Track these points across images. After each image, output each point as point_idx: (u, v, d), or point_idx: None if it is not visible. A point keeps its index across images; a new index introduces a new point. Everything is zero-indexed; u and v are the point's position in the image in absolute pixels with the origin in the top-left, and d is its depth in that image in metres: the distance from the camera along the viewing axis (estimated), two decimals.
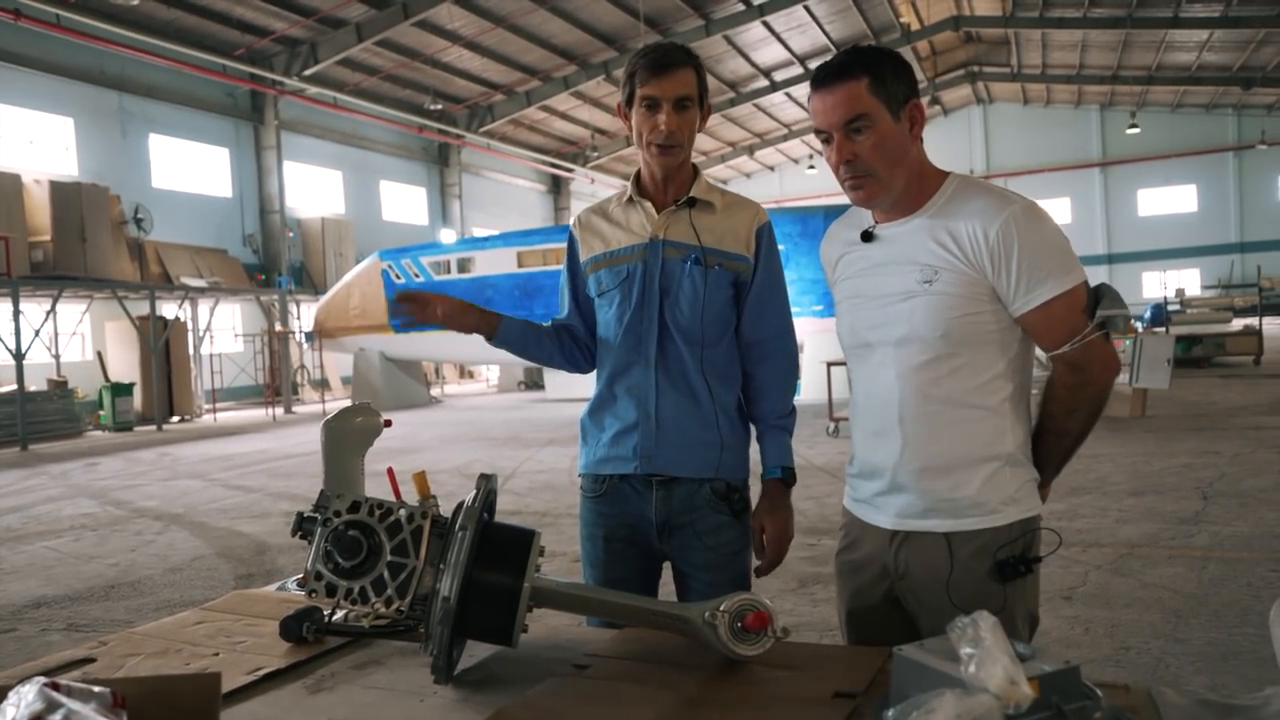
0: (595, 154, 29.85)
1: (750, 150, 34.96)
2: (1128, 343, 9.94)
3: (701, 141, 32.98)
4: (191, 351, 17.56)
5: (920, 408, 1.60)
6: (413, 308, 1.95)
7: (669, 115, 1.86)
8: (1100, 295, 1.56)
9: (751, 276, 1.97)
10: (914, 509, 1.61)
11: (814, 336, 14.44)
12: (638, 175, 2.02)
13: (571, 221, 2.11)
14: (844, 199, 1.63)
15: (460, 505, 1.37)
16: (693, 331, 1.93)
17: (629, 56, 1.97)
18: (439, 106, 23.81)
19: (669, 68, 1.86)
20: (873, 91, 1.53)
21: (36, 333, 14.52)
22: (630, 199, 2.00)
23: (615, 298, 1.96)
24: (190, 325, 17.73)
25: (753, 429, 2.03)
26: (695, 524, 1.92)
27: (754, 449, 2.02)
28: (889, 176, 1.57)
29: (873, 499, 1.68)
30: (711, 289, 1.92)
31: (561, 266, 2.14)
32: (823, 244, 1.82)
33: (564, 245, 2.12)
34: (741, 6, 22.05)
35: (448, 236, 24.82)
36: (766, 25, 23.31)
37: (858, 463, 1.73)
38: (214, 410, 17.74)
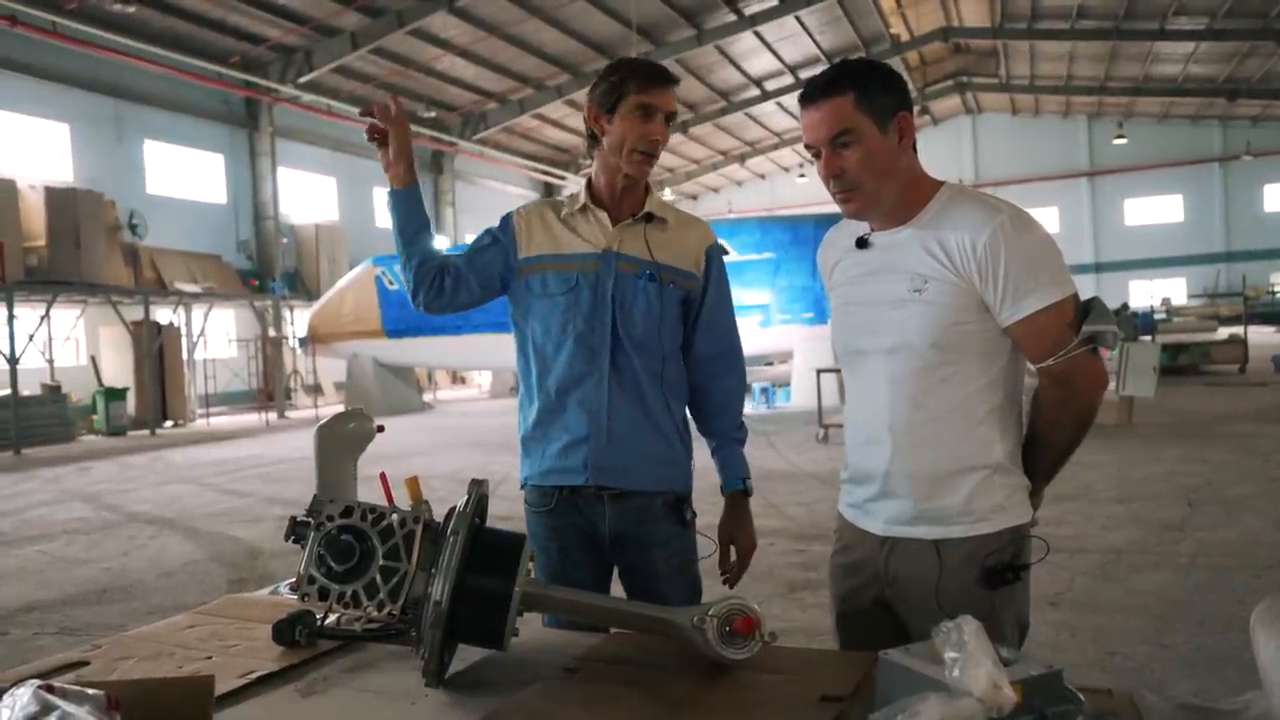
0: (587, 162, 29.68)
1: (742, 159, 35.05)
2: (1113, 352, 10.00)
3: (693, 150, 33.14)
4: (185, 357, 17.51)
5: (910, 416, 1.60)
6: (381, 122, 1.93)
7: (660, 126, 1.91)
8: (1089, 309, 1.56)
9: (702, 295, 2.01)
10: (903, 516, 1.62)
11: (804, 343, 14.48)
12: (589, 183, 2.01)
13: (514, 210, 2.06)
14: (836, 208, 1.65)
15: (452, 510, 1.38)
16: (648, 346, 1.95)
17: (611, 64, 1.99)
18: (432, 114, 23.82)
19: (668, 81, 1.92)
20: (858, 106, 1.54)
21: (30, 337, 14.46)
22: (584, 206, 1.99)
23: (560, 304, 1.94)
24: (184, 330, 17.69)
25: (701, 441, 2.07)
26: (650, 536, 1.95)
27: (703, 460, 2.07)
28: (877, 189, 1.58)
29: (864, 504, 1.69)
30: (666, 305, 1.96)
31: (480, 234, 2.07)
32: (820, 249, 1.83)
33: None
34: (733, 17, 22.12)
35: (441, 243, 24.75)
36: (758, 35, 23.38)
37: (850, 468, 1.74)
38: (207, 415, 17.66)
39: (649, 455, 1.94)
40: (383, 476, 1.60)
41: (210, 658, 1.49)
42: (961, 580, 1.58)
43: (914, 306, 1.57)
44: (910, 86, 1.82)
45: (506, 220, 2.04)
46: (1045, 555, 1.63)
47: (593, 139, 1.97)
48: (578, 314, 1.93)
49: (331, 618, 1.55)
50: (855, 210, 1.62)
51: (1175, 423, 10.48)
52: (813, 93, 1.58)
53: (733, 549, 2.02)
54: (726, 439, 2.05)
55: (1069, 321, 1.54)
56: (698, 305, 2.01)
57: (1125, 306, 23.70)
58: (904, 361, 1.60)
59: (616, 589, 2.01)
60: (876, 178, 1.57)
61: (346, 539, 1.36)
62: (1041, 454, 1.65)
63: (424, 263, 1.99)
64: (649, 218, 1.98)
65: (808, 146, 1.61)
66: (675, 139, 30.20)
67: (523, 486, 2.03)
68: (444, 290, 1.99)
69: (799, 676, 1.32)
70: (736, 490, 2.02)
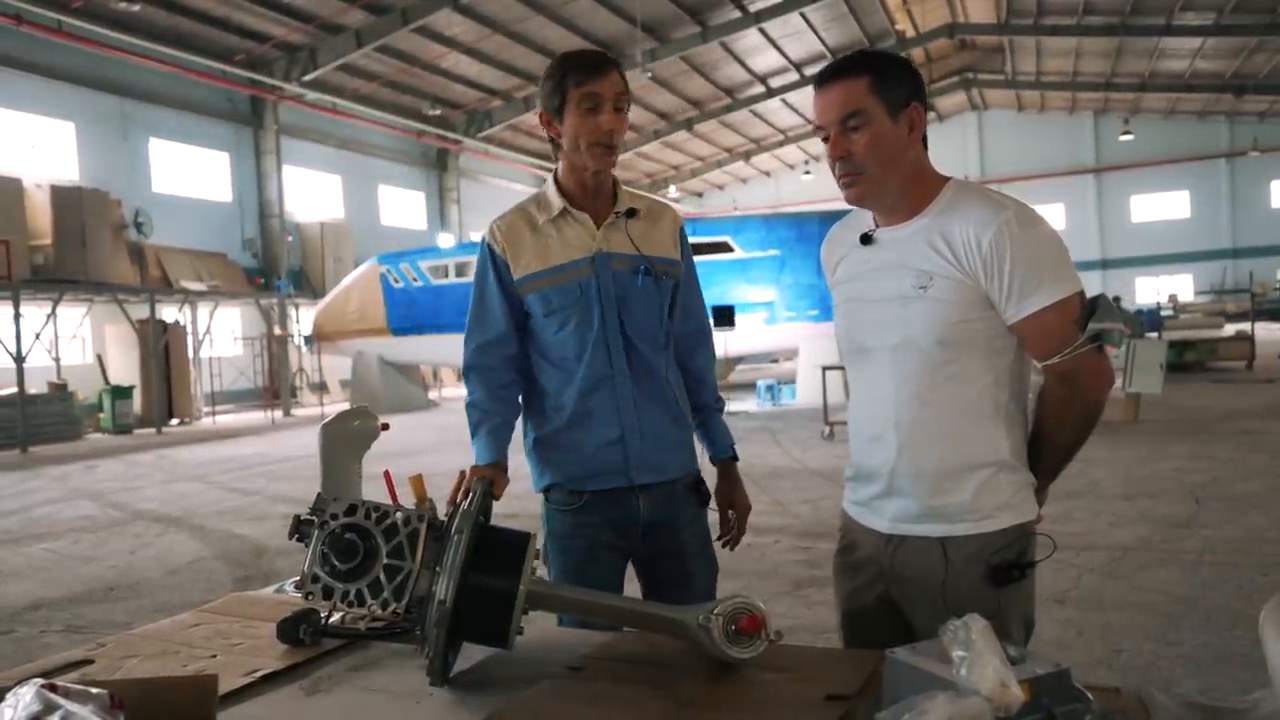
0: None
1: (747, 156, 35.02)
2: (1119, 349, 9.96)
3: (698, 147, 33.11)
4: (191, 355, 17.56)
5: (916, 413, 1.60)
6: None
7: (609, 115, 1.85)
8: (1095, 307, 1.55)
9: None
10: (909, 513, 1.62)
11: (809, 341, 14.46)
12: (558, 185, 1.97)
13: (487, 233, 1.99)
14: (840, 205, 1.65)
15: (457, 508, 1.38)
16: (655, 339, 1.97)
17: (555, 66, 1.88)
18: (437, 112, 23.85)
19: (604, 67, 1.86)
20: (872, 90, 1.55)
21: (37, 336, 14.52)
22: (564, 211, 1.94)
23: (571, 317, 1.92)
24: (190, 329, 17.74)
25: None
26: (677, 519, 1.99)
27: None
28: (882, 175, 1.57)
29: (869, 502, 1.69)
30: (663, 297, 1.98)
31: (476, 279, 1.99)
32: (823, 246, 1.82)
33: None
34: (738, 14, 22.10)
35: (446, 241, 24.84)
36: (763, 32, 23.37)
37: (854, 466, 1.74)
38: (213, 413, 17.73)
39: (673, 444, 1.98)
40: (387, 475, 1.60)
41: (215, 656, 1.49)
42: (968, 578, 1.58)
43: (919, 303, 1.57)
44: (922, 79, 1.79)
45: (489, 250, 1.97)
46: (1052, 553, 1.62)
47: (554, 144, 1.94)
48: (588, 322, 1.92)
49: (336, 616, 1.55)
50: (857, 195, 1.61)
51: (1182, 420, 10.44)
52: (828, 74, 1.59)
53: (730, 513, 2.10)
54: (709, 410, 2.12)
55: (1075, 319, 1.54)
56: (678, 286, 2.04)
57: (1118, 301, 23.59)
58: (909, 358, 1.59)
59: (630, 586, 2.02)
60: (882, 164, 1.56)
61: (350, 537, 1.36)
62: (1046, 451, 1.64)
63: (519, 402, 2.01)
64: (631, 212, 1.96)
65: (818, 129, 1.61)
66: (680, 136, 30.19)
67: (545, 491, 1.99)
68: (520, 377, 2.00)
69: (805, 675, 1.31)
70: (727, 458, 2.11)
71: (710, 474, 2.10)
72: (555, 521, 1.97)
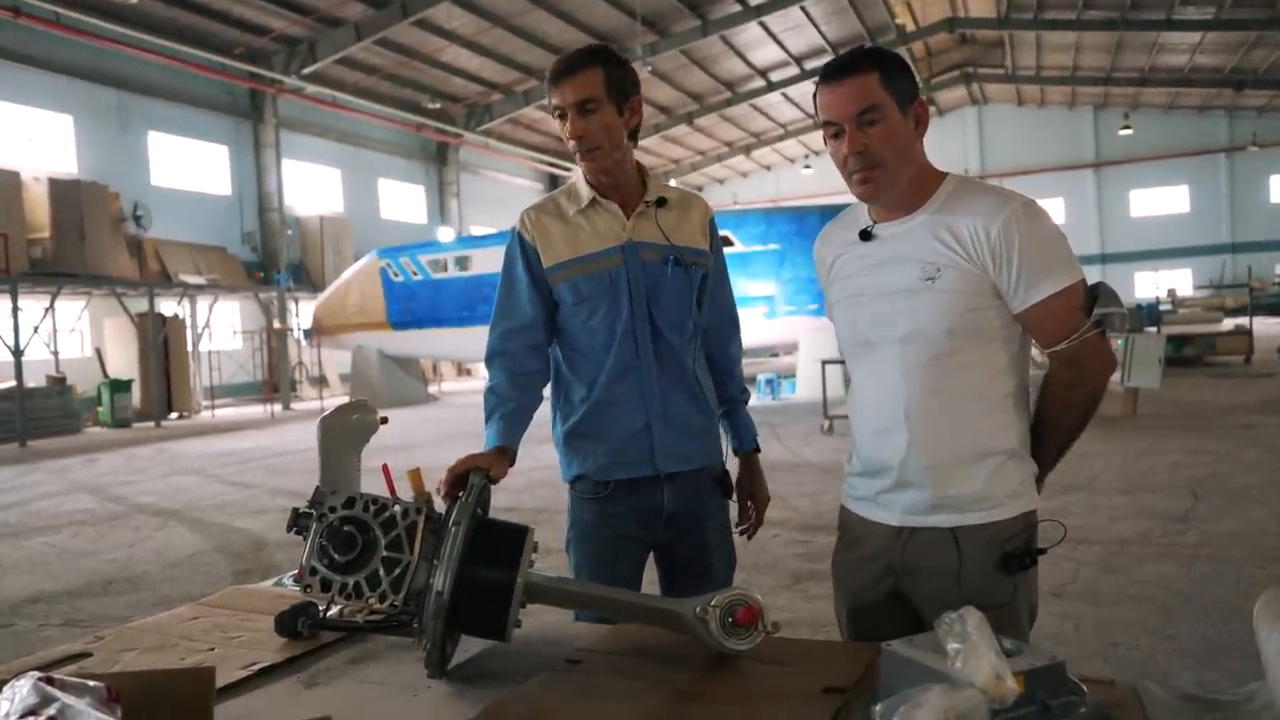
0: None
1: (747, 150, 34.94)
2: (1120, 342, 9.97)
3: (698, 141, 33.03)
4: (190, 348, 17.55)
5: (926, 403, 1.61)
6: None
7: (573, 121, 1.87)
8: (1097, 294, 1.59)
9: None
10: (921, 505, 1.62)
11: (809, 336, 14.46)
12: (586, 177, 1.98)
13: (518, 222, 2.01)
14: (840, 198, 1.65)
15: (455, 501, 1.38)
16: (683, 328, 1.97)
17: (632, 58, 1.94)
18: (437, 105, 23.78)
19: (564, 74, 1.87)
20: (883, 85, 1.56)
21: (35, 329, 14.51)
22: (594, 201, 1.96)
23: (600, 305, 1.93)
24: (189, 322, 17.72)
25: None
26: (702, 510, 1.99)
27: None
28: (897, 169, 1.58)
29: (877, 496, 1.68)
30: (692, 287, 1.98)
31: (505, 267, 2.00)
32: (817, 244, 1.83)
33: None
34: (738, 7, 22.04)
35: (445, 235, 24.80)
36: (763, 26, 23.30)
37: (860, 461, 1.73)
38: (212, 407, 17.71)
39: (698, 433, 1.99)
40: (385, 468, 1.60)
41: (213, 649, 1.49)
42: (982, 567, 1.59)
43: (927, 294, 1.58)
44: (916, 77, 1.80)
45: (519, 238, 1.98)
46: (1063, 538, 1.66)
47: None
48: (617, 310, 1.92)
49: (334, 609, 1.55)
50: (873, 191, 1.61)
51: (1180, 414, 10.45)
52: (838, 70, 1.59)
53: (750, 504, 2.13)
54: (735, 403, 2.14)
55: (1080, 305, 1.58)
56: (707, 278, 2.04)
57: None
58: (918, 349, 1.61)
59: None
60: (898, 157, 1.58)
61: (349, 530, 1.37)
62: (1050, 437, 1.67)
63: (541, 393, 2.00)
64: (661, 202, 1.97)
65: (827, 125, 1.60)
66: (680, 130, 30.11)
67: (572, 482, 2.01)
68: (548, 367, 2.02)
69: (802, 667, 1.31)
70: (750, 450, 2.14)
71: (731, 465, 2.11)
72: (580, 511, 1.98)
